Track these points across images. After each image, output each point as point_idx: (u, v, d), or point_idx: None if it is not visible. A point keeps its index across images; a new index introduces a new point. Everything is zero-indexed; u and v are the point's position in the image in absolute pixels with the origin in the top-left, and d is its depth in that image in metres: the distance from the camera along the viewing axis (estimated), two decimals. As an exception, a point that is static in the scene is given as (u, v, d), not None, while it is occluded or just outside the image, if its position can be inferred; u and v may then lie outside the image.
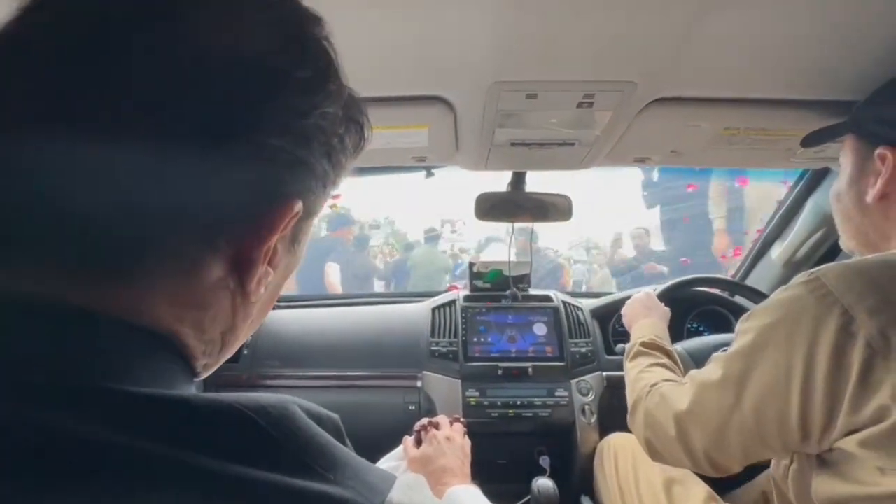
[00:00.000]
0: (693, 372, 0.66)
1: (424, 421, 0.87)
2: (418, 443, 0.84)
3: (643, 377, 0.79)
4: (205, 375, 0.31)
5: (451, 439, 0.83)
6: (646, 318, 0.99)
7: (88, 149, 0.22)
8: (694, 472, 0.88)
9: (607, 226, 5.25)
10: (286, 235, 0.29)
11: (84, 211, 0.23)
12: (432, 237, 4.80)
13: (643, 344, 0.90)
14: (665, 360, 0.85)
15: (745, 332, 0.57)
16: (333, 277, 4.60)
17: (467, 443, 0.86)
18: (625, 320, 1.06)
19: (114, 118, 0.23)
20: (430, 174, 1.12)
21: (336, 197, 3.56)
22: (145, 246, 0.24)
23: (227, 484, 0.21)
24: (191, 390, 0.27)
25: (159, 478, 0.20)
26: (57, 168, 0.22)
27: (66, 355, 0.22)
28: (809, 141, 0.74)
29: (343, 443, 0.26)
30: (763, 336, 0.55)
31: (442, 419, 0.88)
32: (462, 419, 0.91)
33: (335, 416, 0.28)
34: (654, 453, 0.70)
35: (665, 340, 0.92)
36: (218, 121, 0.24)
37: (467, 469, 0.81)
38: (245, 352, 1.25)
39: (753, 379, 0.55)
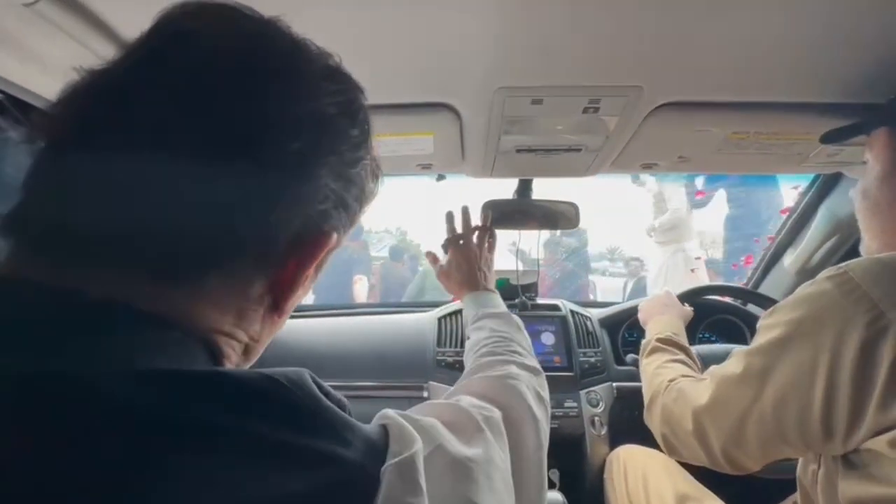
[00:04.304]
0: (713, 367, 0.64)
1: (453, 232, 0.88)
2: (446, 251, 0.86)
3: (660, 373, 0.77)
4: None
5: (471, 250, 0.84)
6: (662, 315, 0.97)
7: (182, 176, 0.26)
8: (709, 489, 0.86)
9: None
10: (318, 263, 0.33)
11: (169, 228, 0.26)
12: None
13: (659, 340, 0.88)
14: (682, 357, 0.83)
15: (768, 326, 0.56)
16: (360, 289, 4.53)
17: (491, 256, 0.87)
18: (641, 316, 1.05)
19: (212, 154, 0.26)
20: (441, 177, 1.11)
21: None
22: (211, 261, 0.28)
23: (275, 448, 0.23)
24: None
25: (223, 445, 0.22)
26: (154, 191, 0.26)
27: (118, 346, 0.24)
28: (830, 138, 0.72)
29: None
30: (787, 331, 0.53)
31: (465, 232, 0.88)
32: (489, 226, 0.90)
33: (340, 394, 0.30)
34: (671, 449, 0.69)
35: (682, 337, 0.90)
36: (297, 164, 0.29)
37: (490, 276, 0.83)
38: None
39: (776, 375, 0.54)
